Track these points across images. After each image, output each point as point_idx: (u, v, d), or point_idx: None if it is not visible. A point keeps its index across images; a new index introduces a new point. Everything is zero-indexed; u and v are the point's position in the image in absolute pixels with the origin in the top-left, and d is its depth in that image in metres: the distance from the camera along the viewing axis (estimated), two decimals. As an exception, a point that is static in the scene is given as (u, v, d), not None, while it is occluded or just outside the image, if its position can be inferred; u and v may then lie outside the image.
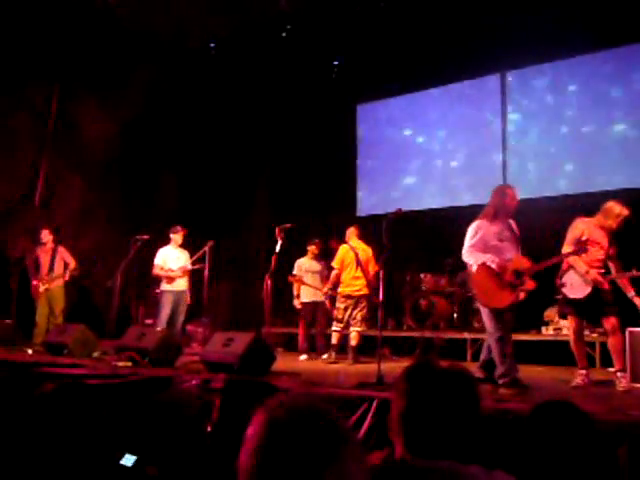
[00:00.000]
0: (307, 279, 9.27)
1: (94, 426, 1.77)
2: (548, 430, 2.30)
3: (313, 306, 9.21)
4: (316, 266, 9.36)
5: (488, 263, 5.32)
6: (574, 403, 2.46)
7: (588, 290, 5.64)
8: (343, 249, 8.65)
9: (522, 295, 5.43)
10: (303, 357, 8.94)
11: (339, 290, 8.61)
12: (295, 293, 9.39)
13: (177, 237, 9.12)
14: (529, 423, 2.43)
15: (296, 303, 9.37)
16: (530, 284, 5.35)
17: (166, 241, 9.17)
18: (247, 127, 12.40)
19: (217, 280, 10.14)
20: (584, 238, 5.74)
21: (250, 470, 1.23)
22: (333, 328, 8.56)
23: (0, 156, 10.65)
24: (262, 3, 10.54)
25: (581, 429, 2.29)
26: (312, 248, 9.41)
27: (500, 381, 5.17)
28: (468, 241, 5.47)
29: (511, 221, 5.65)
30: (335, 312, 8.60)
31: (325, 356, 8.73)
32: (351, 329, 8.41)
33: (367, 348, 8.79)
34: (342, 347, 8.62)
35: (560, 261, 5.81)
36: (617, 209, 5.81)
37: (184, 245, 9.22)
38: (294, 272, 9.39)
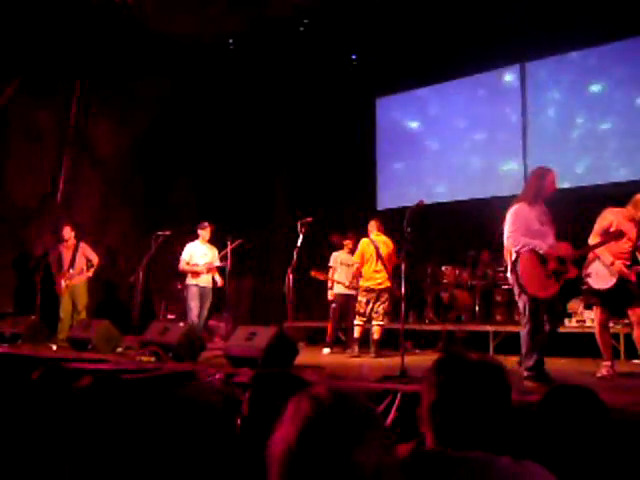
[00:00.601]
0: (342, 272, 9.29)
1: (129, 419, 1.79)
2: (560, 412, 2.29)
3: (346, 299, 9.20)
4: (352, 260, 9.27)
5: (537, 249, 5.17)
6: (587, 387, 2.45)
7: (613, 281, 5.58)
8: (364, 243, 8.65)
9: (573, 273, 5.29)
10: (326, 351, 8.95)
11: (360, 284, 8.62)
12: (330, 285, 9.39)
13: (204, 233, 9.14)
14: (542, 405, 2.42)
15: (330, 294, 9.37)
16: (573, 272, 5.22)
17: (193, 237, 9.20)
18: (266, 122, 12.42)
19: (239, 275, 10.18)
20: (613, 229, 5.69)
21: (283, 457, 1.25)
22: (355, 322, 8.57)
23: (23, 154, 10.78)
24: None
25: (593, 412, 2.28)
26: (347, 242, 9.41)
27: (526, 374, 5.13)
28: (511, 226, 5.27)
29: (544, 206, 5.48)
30: (357, 306, 8.61)
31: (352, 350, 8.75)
32: (373, 322, 8.41)
33: (389, 341, 8.80)
34: (364, 341, 8.63)
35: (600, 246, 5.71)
36: None
37: (212, 241, 9.27)
38: (330, 264, 9.43)
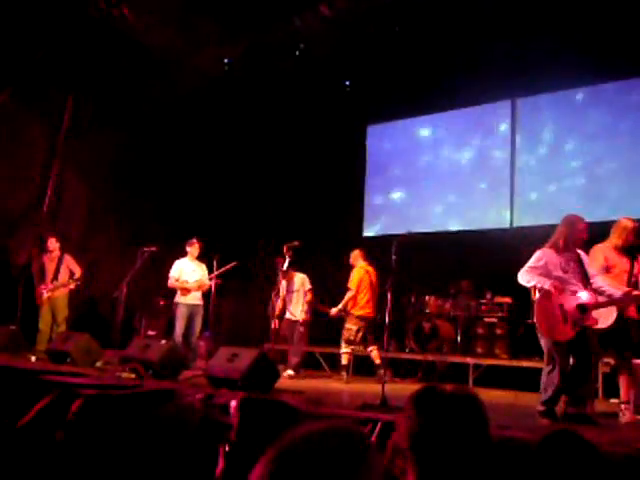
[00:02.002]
0: (292, 297, 9.23)
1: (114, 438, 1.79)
2: (555, 460, 2.29)
3: (292, 324, 9.13)
4: (293, 285, 9.25)
5: (546, 286, 5.17)
6: (580, 434, 2.46)
7: (612, 320, 5.57)
8: (361, 271, 8.65)
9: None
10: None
11: (352, 312, 8.60)
12: (277, 313, 9.26)
13: (193, 250, 9.14)
14: (537, 453, 2.42)
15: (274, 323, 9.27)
16: (593, 320, 5.20)
17: (177, 253, 9.19)
18: (257, 144, 12.46)
19: (221, 295, 10.15)
20: (611, 263, 5.69)
21: None
22: (344, 350, 8.55)
23: (12, 164, 10.75)
24: (276, 22, 10.65)
25: (589, 461, 2.29)
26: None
27: (539, 408, 5.18)
28: (530, 263, 5.34)
29: (581, 252, 5.45)
30: (346, 333, 8.58)
31: (288, 372, 8.65)
32: (370, 348, 8.50)
33: (364, 369, 8.83)
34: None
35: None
36: (623, 222, 5.80)
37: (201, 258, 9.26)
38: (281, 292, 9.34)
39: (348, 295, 8.72)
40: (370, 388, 7.45)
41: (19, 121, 10.77)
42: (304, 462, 1.25)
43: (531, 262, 5.36)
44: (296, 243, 8.26)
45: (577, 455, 2.18)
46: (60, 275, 9.39)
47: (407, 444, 1.71)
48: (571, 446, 2.23)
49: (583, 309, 5.18)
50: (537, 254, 5.38)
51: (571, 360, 5.30)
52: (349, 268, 9.27)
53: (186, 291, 8.93)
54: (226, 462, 2.15)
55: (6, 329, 8.93)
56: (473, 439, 1.70)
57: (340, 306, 8.83)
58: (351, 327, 8.54)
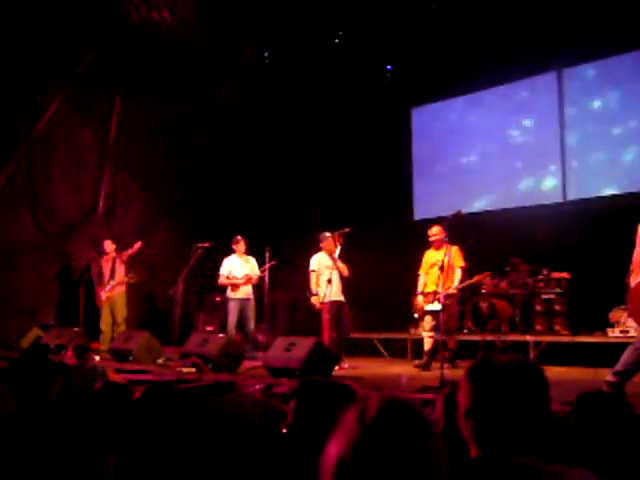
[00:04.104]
0: (325, 276, 8.16)
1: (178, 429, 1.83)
2: (590, 418, 2.26)
3: (338, 306, 8.17)
4: (330, 262, 8.27)
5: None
6: (615, 394, 2.43)
7: None
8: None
9: None
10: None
11: (455, 293, 8.13)
12: (314, 291, 8.25)
13: (239, 247, 9.31)
14: (574, 413, 2.39)
15: (315, 300, 8.18)
16: None
17: (230, 251, 9.34)
18: (302, 135, 12.47)
19: (277, 287, 10.23)
20: None
21: (335, 472, 1.23)
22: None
23: (67, 170, 11.03)
24: (313, 9, 10.62)
25: (622, 418, 2.25)
26: (328, 243, 8.30)
27: (609, 378, 5.05)
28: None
29: None
30: (456, 322, 8.35)
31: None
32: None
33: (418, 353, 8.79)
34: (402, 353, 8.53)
35: None
36: None
37: (249, 253, 9.38)
38: (313, 267, 8.32)
39: (459, 273, 8.18)
40: (428, 371, 7.45)
41: (71, 126, 11.03)
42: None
43: None
44: (346, 230, 8.22)
45: (610, 413, 2.14)
46: (116, 275, 9.68)
47: (465, 417, 1.70)
48: (604, 405, 2.19)
49: None
50: None
51: None
52: (401, 252, 9.19)
53: (236, 287, 9.09)
54: (284, 444, 2.17)
55: (70, 331, 9.19)
56: (531, 407, 1.67)
57: (459, 285, 8.19)
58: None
